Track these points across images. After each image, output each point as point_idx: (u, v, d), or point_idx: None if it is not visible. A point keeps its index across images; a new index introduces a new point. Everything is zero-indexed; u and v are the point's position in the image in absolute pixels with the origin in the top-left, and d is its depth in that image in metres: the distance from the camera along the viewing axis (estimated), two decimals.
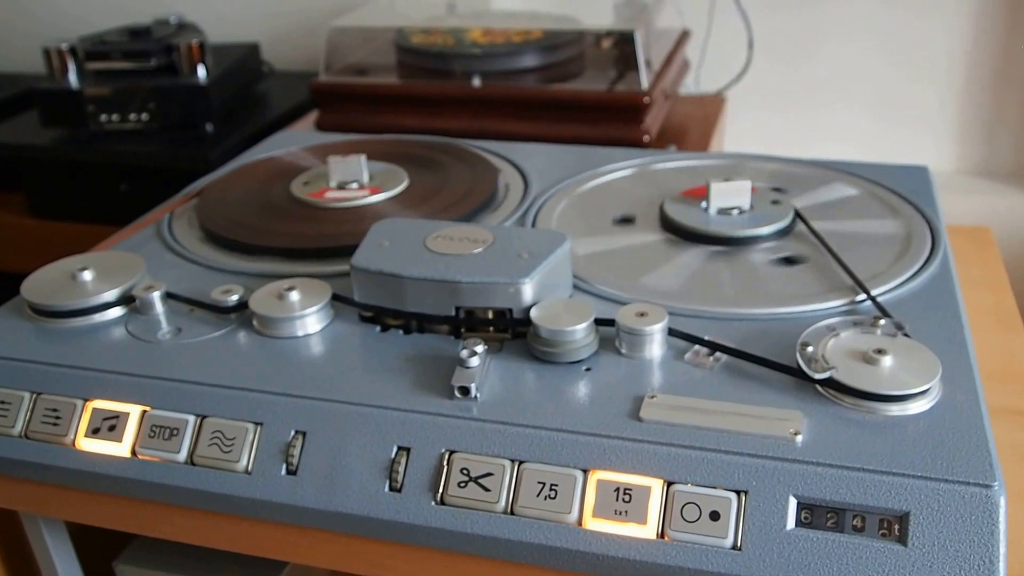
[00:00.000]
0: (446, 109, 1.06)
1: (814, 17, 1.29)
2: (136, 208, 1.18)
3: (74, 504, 0.57)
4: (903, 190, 0.73)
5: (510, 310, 0.55)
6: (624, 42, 1.11)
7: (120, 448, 0.54)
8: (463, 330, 0.57)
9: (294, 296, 0.58)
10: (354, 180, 0.74)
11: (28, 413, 0.56)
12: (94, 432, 0.55)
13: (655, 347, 0.54)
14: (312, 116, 1.22)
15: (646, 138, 1.01)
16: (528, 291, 0.55)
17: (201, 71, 1.17)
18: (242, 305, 0.59)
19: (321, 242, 0.67)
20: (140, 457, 0.54)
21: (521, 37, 1.12)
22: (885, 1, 1.26)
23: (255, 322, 0.59)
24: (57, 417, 0.55)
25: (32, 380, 0.57)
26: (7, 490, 0.58)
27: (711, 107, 1.25)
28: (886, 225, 0.68)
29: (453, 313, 0.56)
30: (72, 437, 0.55)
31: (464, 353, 0.52)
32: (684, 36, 1.22)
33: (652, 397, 0.50)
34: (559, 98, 1.03)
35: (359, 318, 0.59)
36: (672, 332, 0.54)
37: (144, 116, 1.17)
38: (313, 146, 0.88)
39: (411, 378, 0.53)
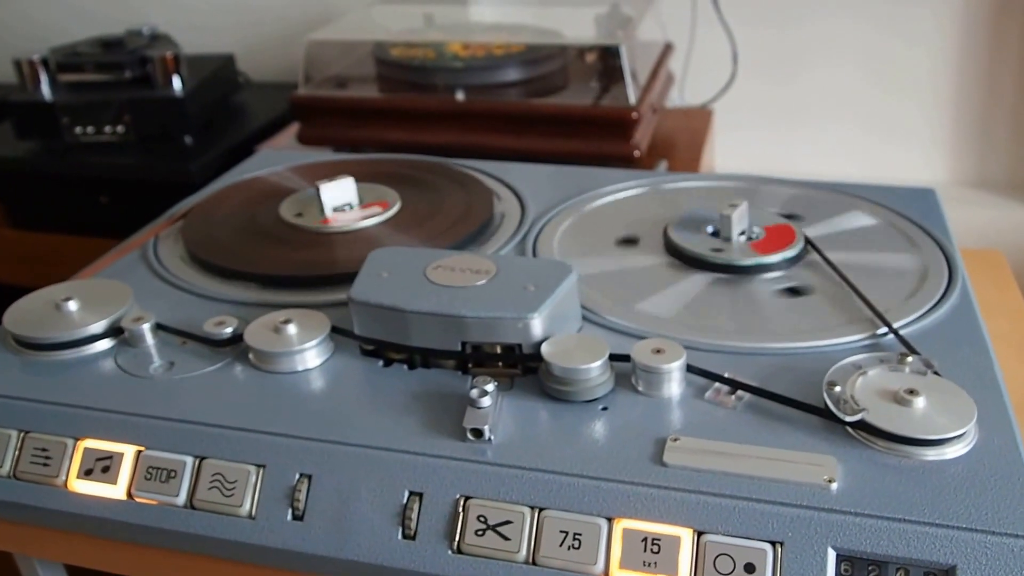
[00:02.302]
0: (429, 123, 1.04)
1: (799, 32, 1.28)
2: (117, 220, 1.15)
3: (68, 546, 0.54)
4: (912, 215, 0.71)
5: (519, 345, 0.53)
6: (610, 56, 1.09)
7: (115, 490, 0.51)
8: (471, 365, 0.55)
9: (291, 329, 0.55)
10: (345, 203, 0.72)
11: (16, 452, 0.53)
12: (87, 473, 0.52)
13: (673, 385, 0.52)
14: (292, 128, 1.19)
15: (636, 153, 1.00)
16: (537, 326, 0.53)
17: (176, 83, 1.14)
18: (237, 338, 0.57)
19: (314, 269, 0.64)
20: (136, 500, 0.51)
21: (502, 50, 1.10)
22: (869, 20, 1.26)
23: (251, 356, 0.56)
24: (47, 457, 0.52)
25: (19, 417, 0.54)
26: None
27: (698, 120, 1.24)
28: (899, 253, 0.66)
29: (459, 348, 0.54)
30: (64, 478, 0.52)
31: (475, 393, 0.50)
32: (668, 49, 1.20)
33: (675, 440, 0.48)
34: (546, 112, 1.01)
35: (360, 351, 0.57)
36: (691, 369, 0.52)
37: (119, 128, 1.14)
38: (300, 166, 0.85)
39: (420, 418, 0.51)
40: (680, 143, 1.16)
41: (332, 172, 0.78)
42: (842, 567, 0.43)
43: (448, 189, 0.77)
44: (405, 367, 0.55)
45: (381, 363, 0.56)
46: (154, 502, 0.51)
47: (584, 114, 1.00)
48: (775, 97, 1.32)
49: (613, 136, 1.00)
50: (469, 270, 0.56)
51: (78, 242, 1.18)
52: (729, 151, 1.34)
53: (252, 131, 1.22)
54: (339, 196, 0.71)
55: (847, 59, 1.28)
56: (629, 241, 0.69)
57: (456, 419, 0.51)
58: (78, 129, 1.14)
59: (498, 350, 0.54)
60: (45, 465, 0.52)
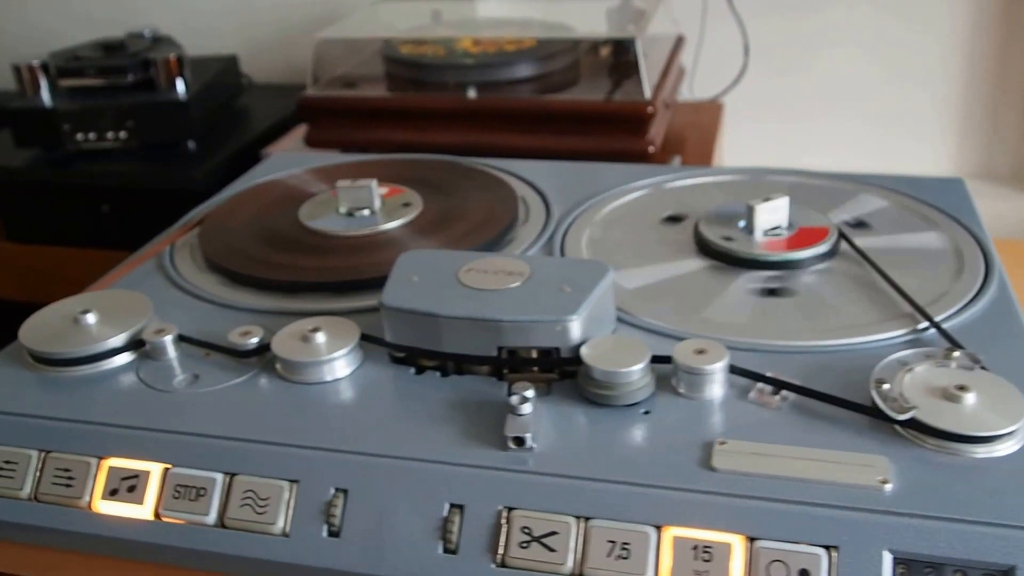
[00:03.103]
0: (440, 122, 1.02)
1: (809, 24, 1.26)
2: (119, 230, 1.13)
3: (91, 570, 0.52)
4: (942, 205, 0.70)
5: (557, 349, 0.52)
6: (624, 50, 1.07)
7: (142, 510, 0.49)
8: (506, 371, 0.53)
9: (320, 338, 0.54)
10: (365, 207, 0.70)
11: (37, 473, 0.51)
12: (112, 493, 0.50)
13: (716, 387, 0.50)
14: (298, 131, 1.17)
15: (651, 149, 0.98)
16: (576, 328, 0.51)
17: (180, 86, 1.12)
18: (263, 348, 0.55)
19: (338, 275, 0.63)
20: (164, 520, 0.49)
21: (514, 46, 1.08)
22: (880, 8, 1.24)
23: (279, 366, 0.54)
24: (70, 477, 0.51)
25: (39, 437, 0.52)
26: (16, 556, 0.53)
27: (709, 114, 1.22)
28: (932, 244, 0.65)
29: (495, 353, 0.52)
30: (87, 499, 0.50)
31: (515, 400, 0.48)
32: (680, 42, 1.18)
33: (722, 443, 0.47)
34: (559, 109, 0.99)
35: (390, 359, 0.55)
36: (734, 370, 0.51)
37: (122, 134, 1.12)
38: (317, 168, 0.84)
39: (457, 427, 0.50)
40: (692, 138, 1.15)
41: (348, 174, 0.77)
42: (898, 570, 0.42)
43: (469, 189, 0.75)
44: (438, 374, 0.54)
45: (413, 371, 0.54)
46: (183, 521, 0.49)
47: (598, 110, 0.98)
48: (783, 90, 1.31)
49: (628, 132, 0.98)
50: (502, 272, 0.54)
51: (79, 254, 1.16)
52: (739, 145, 1.32)
53: (257, 134, 1.20)
54: (359, 198, 0.70)
55: (856, 48, 1.27)
56: (659, 238, 0.68)
57: (494, 427, 0.49)
58: (79, 136, 1.12)
59: (534, 354, 0.52)
60: (68, 486, 0.51)
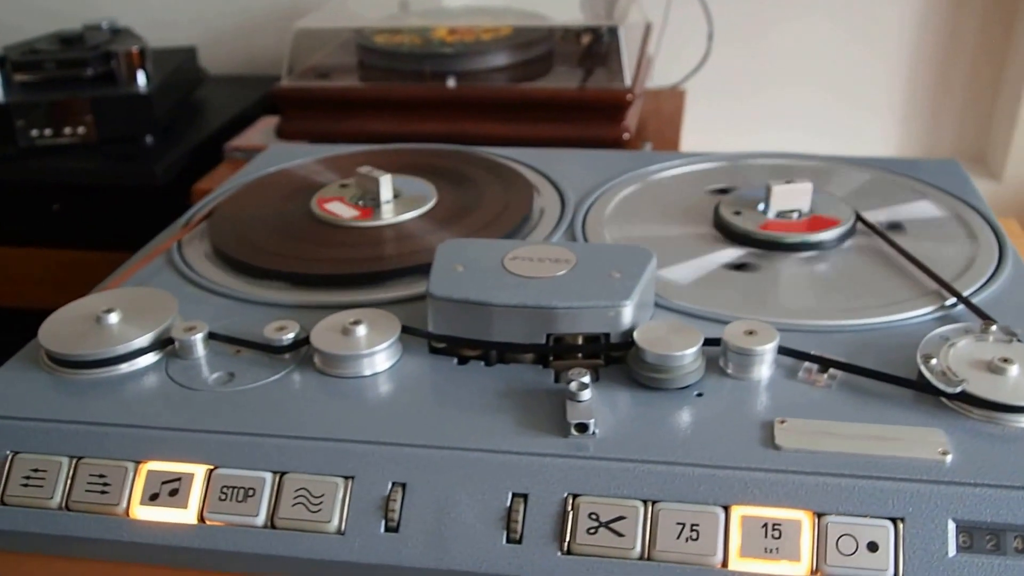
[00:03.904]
0: (419, 112, 1.01)
1: (769, 13, 1.28)
2: (72, 229, 1.09)
3: None
4: (944, 185, 0.72)
5: (607, 335, 0.52)
6: (605, 38, 1.07)
7: (185, 515, 0.48)
8: (551, 358, 0.53)
9: (361, 330, 0.53)
10: (380, 197, 0.69)
11: (68, 481, 0.49)
12: (152, 498, 0.48)
13: (764, 367, 0.51)
14: (263, 123, 1.15)
15: (626, 136, 0.99)
16: (628, 314, 0.51)
17: (142, 79, 1.09)
18: (300, 343, 0.54)
19: (357, 267, 0.61)
20: (209, 523, 0.48)
21: (490, 35, 1.07)
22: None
23: (317, 361, 0.53)
24: (105, 484, 0.49)
25: (69, 443, 0.50)
26: (45, 569, 0.51)
27: (671, 101, 1.24)
28: (945, 224, 0.66)
29: (543, 341, 0.52)
30: (125, 505, 0.48)
31: (574, 386, 0.48)
32: (648, 30, 1.19)
33: (782, 422, 0.47)
34: (542, 97, 0.99)
35: (429, 349, 0.54)
36: (782, 350, 0.51)
37: (80, 129, 1.08)
38: (323, 158, 0.82)
39: (512, 416, 0.49)
40: (657, 124, 1.16)
41: (355, 164, 0.75)
42: (961, 539, 0.43)
43: (482, 178, 0.74)
44: (482, 364, 0.53)
45: (456, 361, 0.53)
46: (230, 524, 0.47)
47: (580, 98, 0.98)
48: (737, 71, 1.32)
49: (606, 119, 0.99)
50: (548, 259, 0.54)
51: (28, 254, 1.12)
52: (694, 126, 1.33)
53: (217, 129, 1.17)
54: (375, 188, 0.68)
55: (815, 19, 1.29)
56: (678, 222, 0.68)
57: (550, 415, 0.49)
58: (34, 132, 1.08)
59: (580, 341, 0.52)
60: (103, 492, 0.49)
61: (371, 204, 0.69)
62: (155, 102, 1.10)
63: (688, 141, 1.26)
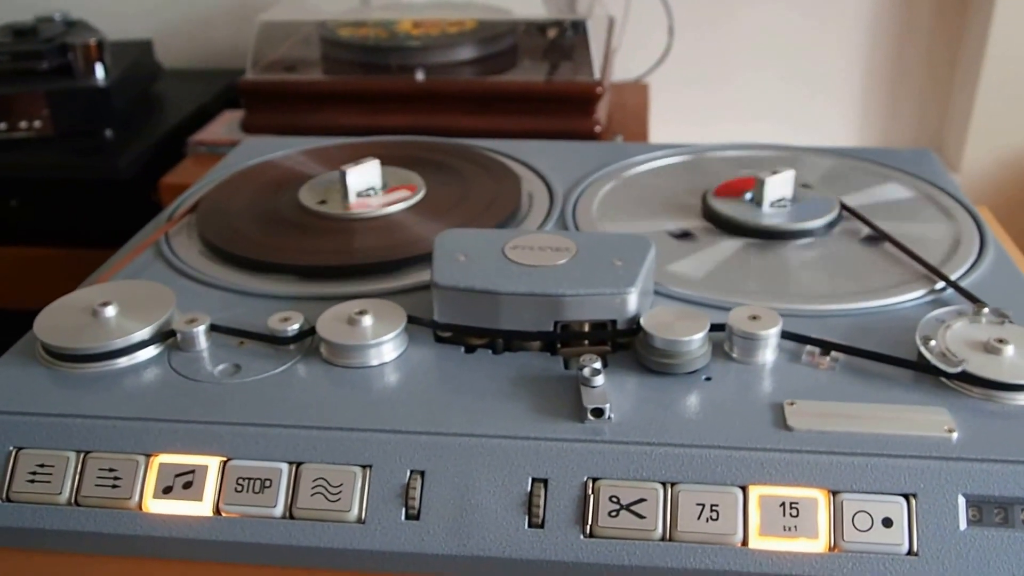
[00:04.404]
0: (388, 105, 1.01)
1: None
2: (33, 226, 1.07)
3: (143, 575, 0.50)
4: (921, 173, 0.74)
5: (613, 321, 0.52)
6: (572, 31, 1.08)
7: (200, 507, 0.47)
8: (559, 345, 0.53)
9: (367, 320, 0.53)
10: (369, 189, 0.68)
11: (75, 477, 0.48)
12: (165, 491, 0.48)
13: (769, 351, 0.52)
14: (226, 117, 1.14)
15: (598, 128, 1.00)
16: (633, 300, 0.52)
17: (100, 72, 1.07)
18: (305, 333, 0.53)
19: (359, 258, 0.61)
20: (226, 515, 0.47)
21: (457, 28, 1.07)
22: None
23: (324, 351, 0.53)
24: (116, 478, 0.48)
25: (76, 437, 0.49)
26: (55, 566, 0.50)
27: (636, 94, 1.25)
28: (925, 211, 0.68)
29: (551, 328, 0.52)
30: (137, 499, 0.48)
31: (587, 372, 0.49)
32: (612, 24, 1.20)
33: (791, 404, 0.48)
34: (511, 91, 1.00)
35: (434, 339, 0.54)
36: (785, 334, 0.52)
37: (36, 123, 1.06)
38: (306, 150, 0.81)
39: (526, 402, 0.49)
40: (622, 118, 1.17)
41: (339, 155, 0.75)
42: (971, 513, 0.44)
43: (468, 170, 0.74)
44: (489, 352, 0.53)
45: (463, 350, 0.53)
46: (247, 515, 0.47)
47: (550, 91, 0.99)
48: (697, 61, 1.34)
49: (577, 112, 1.00)
50: (549, 248, 0.54)
51: None
52: (656, 118, 1.35)
53: (178, 122, 1.15)
54: (364, 181, 0.68)
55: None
56: (669, 214, 0.69)
57: (563, 400, 0.49)
58: None
59: (586, 328, 0.53)
60: (114, 487, 0.48)
61: (360, 195, 0.69)
62: (114, 95, 1.08)
63: (655, 134, 1.27)
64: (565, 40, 1.11)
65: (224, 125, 1.11)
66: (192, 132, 1.11)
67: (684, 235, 0.65)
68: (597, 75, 0.98)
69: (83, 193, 1.05)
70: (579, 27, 1.02)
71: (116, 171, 1.03)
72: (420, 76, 1.01)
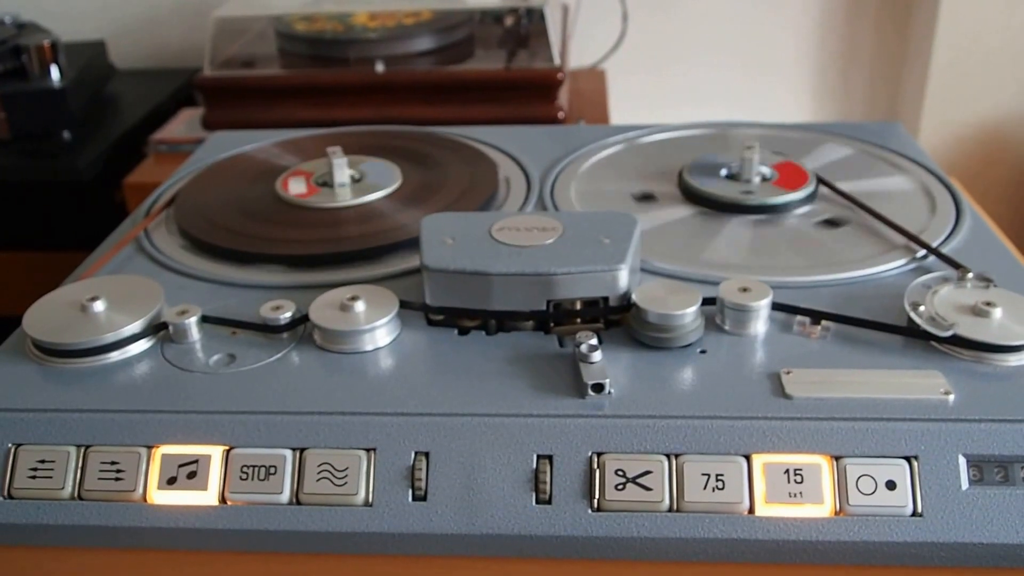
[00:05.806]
0: (347, 98, 1.01)
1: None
2: None
3: (147, 568, 0.49)
4: (893, 146, 0.75)
5: (605, 298, 0.52)
6: (529, 19, 1.08)
7: (206, 496, 0.47)
8: (552, 324, 0.53)
9: (360, 306, 0.52)
10: (345, 178, 0.68)
11: (77, 471, 0.48)
12: (169, 482, 0.47)
13: (760, 323, 0.53)
14: (185, 115, 1.12)
15: (561, 114, 1.00)
16: (624, 277, 0.52)
17: (55, 73, 1.05)
18: (297, 321, 0.53)
19: (345, 245, 0.61)
20: (232, 503, 0.47)
21: (412, 19, 1.07)
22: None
23: (317, 338, 0.53)
24: (119, 471, 0.47)
25: (75, 431, 0.48)
26: (60, 561, 0.49)
27: (593, 81, 1.25)
28: (898, 181, 0.70)
29: (543, 307, 0.52)
30: (141, 491, 0.47)
31: (584, 348, 0.49)
32: (566, 11, 1.21)
33: (788, 373, 0.49)
34: (472, 80, 1.00)
35: (427, 322, 0.54)
36: (776, 306, 0.53)
37: None
38: (281, 142, 0.81)
39: (525, 381, 0.49)
40: (580, 104, 1.17)
41: (312, 147, 0.74)
42: (971, 472, 0.45)
43: (442, 157, 0.74)
44: (483, 333, 0.53)
45: (456, 332, 0.53)
46: (253, 503, 0.47)
47: (511, 79, 0.99)
48: (651, 45, 1.35)
49: (539, 99, 1.00)
50: (536, 228, 0.54)
51: None
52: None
53: (135, 122, 1.14)
54: (340, 169, 0.68)
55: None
56: (646, 196, 0.69)
57: (561, 377, 0.49)
58: None
59: (578, 306, 0.53)
60: (117, 479, 0.47)
61: (336, 184, 0.68)
62: (70, 97, 1.07)
63: (614, 120, 1.28)
64: (522, 27, 1.11)
65: (184, 123, 1.10)
66: (150, 132, 1.10)
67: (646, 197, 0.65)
68: (557, 61, 0.99)
69: (44, 196, 1.04)
70: (536, 14, 1.02)
71: (76, 172, 1.01)
72: (380, 68, 1.00)
